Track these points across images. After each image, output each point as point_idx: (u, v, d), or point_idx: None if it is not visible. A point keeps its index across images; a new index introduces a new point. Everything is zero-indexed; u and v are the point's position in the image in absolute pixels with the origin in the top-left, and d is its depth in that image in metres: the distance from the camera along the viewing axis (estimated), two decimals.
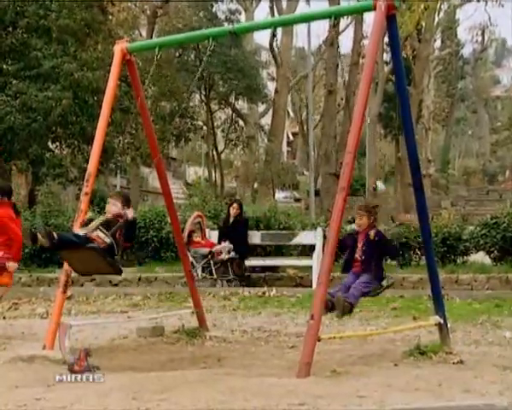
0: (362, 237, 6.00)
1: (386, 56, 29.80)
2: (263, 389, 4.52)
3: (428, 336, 6.40)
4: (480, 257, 12.95)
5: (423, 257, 13.12)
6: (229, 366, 5.66)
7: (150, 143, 7.18)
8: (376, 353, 6.07)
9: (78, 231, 5.98)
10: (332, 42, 21.54)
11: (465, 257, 12.98)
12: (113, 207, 6.23)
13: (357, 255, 6.00)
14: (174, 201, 7.55)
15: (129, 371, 5.44)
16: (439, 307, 6.00)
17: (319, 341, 5.05)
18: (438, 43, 38.61)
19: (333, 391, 4.53)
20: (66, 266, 6.16)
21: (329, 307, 5.65)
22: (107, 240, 5.90)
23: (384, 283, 5.98)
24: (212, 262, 12.09)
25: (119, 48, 6.48)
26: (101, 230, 5.96)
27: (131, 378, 5.02)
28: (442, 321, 5.95)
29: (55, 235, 5.73)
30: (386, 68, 30.64)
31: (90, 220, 6.17)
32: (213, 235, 12.87)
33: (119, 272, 6.21)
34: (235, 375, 5.14)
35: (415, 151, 5.96)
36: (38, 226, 5.81)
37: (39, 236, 5.68)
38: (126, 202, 6.31)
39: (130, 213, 6.14)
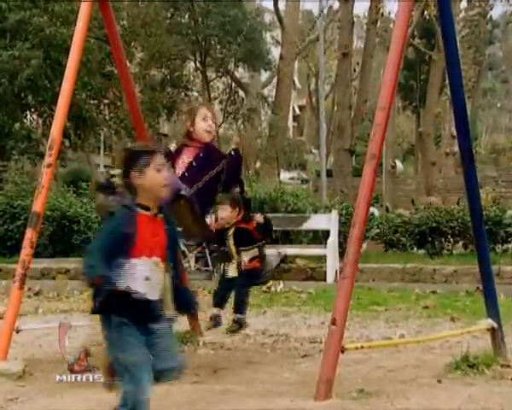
0: None
1: None
2: None
3: (474, 343, 5.80)
4: None
5: (457, 245, 13.01)
6: (228, 381, 5.21)
7: (131, 108, 6.55)
8: (411, 364, 5.55)
9: None
10: None
11: (505, 245, 12.79)
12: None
13: None
14: None
15: (99, 389, 4.84)
16: (492, 307, 5.35)
17: (343, 352, 4.48)
18: (464, 3, 38.01)
19: None
20: (23, 255, 5.57)
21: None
22: None
23: None
24: (207, 251, 11.67)
25: None
26: None
27: (101, 398, 4.43)
28: (496, 326, 5.28)
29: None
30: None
31: None
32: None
33: None
34: (235, 393, 4.70)
35: (464, 114, 5.29)
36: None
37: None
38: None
39: None
